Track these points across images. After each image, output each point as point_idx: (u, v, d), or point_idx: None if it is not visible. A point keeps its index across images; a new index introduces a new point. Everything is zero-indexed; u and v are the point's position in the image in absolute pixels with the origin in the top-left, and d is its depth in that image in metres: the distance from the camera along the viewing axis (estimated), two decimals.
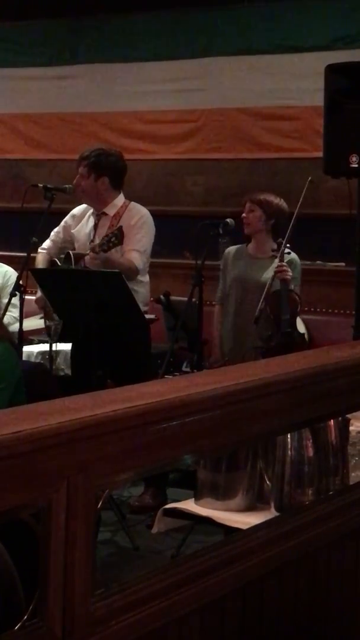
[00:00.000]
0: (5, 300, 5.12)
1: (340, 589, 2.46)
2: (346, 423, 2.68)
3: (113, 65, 7.42)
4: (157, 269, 5.69)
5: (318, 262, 6.24)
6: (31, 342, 5.62)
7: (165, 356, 4.83)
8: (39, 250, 5.12)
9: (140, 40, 7.31)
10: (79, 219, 5.17)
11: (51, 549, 1.58)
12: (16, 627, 1.60)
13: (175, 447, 1.85)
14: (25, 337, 5.14)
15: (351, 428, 2.73)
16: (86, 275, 4.69)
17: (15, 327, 4.91)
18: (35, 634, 1.58)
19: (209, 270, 5.00)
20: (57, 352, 5.35)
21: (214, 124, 7.09)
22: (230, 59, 6.98)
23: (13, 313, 5.31)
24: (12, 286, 4.93)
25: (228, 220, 4.95)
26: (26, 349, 5.34)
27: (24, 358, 4.97)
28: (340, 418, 2.62)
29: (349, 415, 2.68)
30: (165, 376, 4.71)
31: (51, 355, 5.14)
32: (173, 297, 5.12)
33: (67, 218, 5.24)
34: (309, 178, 5.08)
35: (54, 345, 5.12)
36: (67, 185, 5.07)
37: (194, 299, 4.83)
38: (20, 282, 4.81)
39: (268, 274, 4.93)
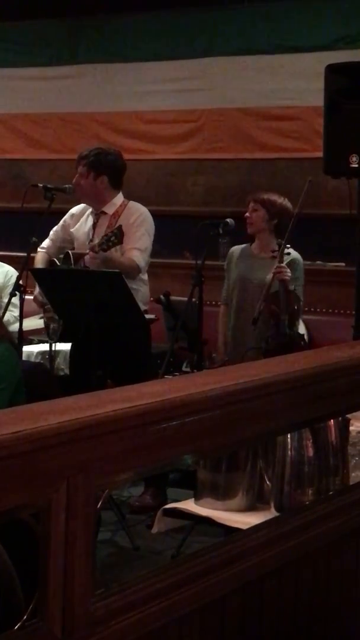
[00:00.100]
0: (6, 300, 5.13)
1: (340, 589, 2.46)
2: (346, 423, 2.68)
3: (113, 65, 7.42)
4: (157, 269, 5.69)
5: (318, 262, 6.24)
6: (31, 342, 5.62)
7: (165, 356, 4.83)
8: (38, 249, 5.12)
9: (140, 40, 7.31)
10: (77, 218, 5.17)
11: (51, 549, 1.58)
12: (16, 627, 1.60)
13: (175, 447, 1.85)
14: (25, 337, 5.14)
15: (351, 428, 2.73)
16: (86, 275, 4.69)
17: (15, 326, 4.91)
18: (35, 634, 1.58)
19: (209, 270, 5.00)
20: (57, 352, 5.35)
21: (214, 124, 7.09)
22: (231, 59, 6.98)
23: (13, 312, 5.31)
24: (13, 286, 4.93)
25: (228, 220, 4.95)
26: (26, 348, 5.34)
27: (24, 358, 4.97)
28: (340, 418, 2.62)
29: (349, 415, 2.68)
30: (165, 376, 4.71)
31: (51, 355, 5.14)
32: (173, 297, 5.12)
33: (65, 217, 5.24)
34: (309, 179, 5.07)
35: (54, 345, 5.12)
36: (67, 185, 5.07)
37: (194, 299, 4.83)
38: (20, 282, 4.82)
39: (270, 274, 4.93)
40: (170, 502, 3.07)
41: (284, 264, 4.85)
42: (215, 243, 6.02)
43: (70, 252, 4.99)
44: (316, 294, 5.27)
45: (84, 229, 5.11)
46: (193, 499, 2.65)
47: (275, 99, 6.84)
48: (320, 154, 5.32)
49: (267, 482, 2.61)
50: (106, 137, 7.13)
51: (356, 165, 5.02)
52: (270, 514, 2.51)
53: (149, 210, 5.13)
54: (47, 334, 5.13)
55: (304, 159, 6.58)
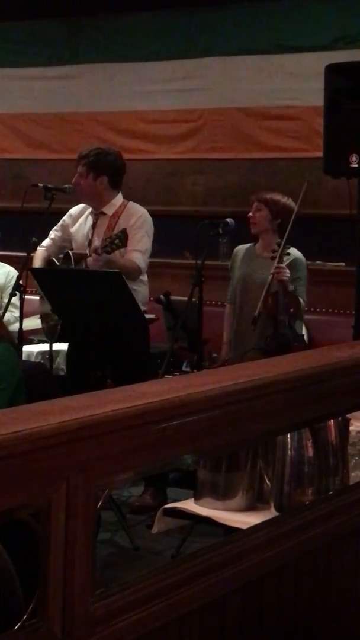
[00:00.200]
0: (7, 300, 5.13)
1: (340, 589, 2.46)
2: (346, 423, 2.68)
3: (113, 65, 7.42)
4: (157, 269, 5.69)
5: (318, 262, 6.24)
6: (31, 342, 5.63)
7: (165, 356, 4.83)
8: (38, 247, 5.11)
9: (140, 40, 7.32)
10: (77, 218, 5.17)
11: (51, 549, 1.58)
12: (16, 627, 1.60)
13: (175, 447, 1.85)
14: (25, 337, 5.14)
15: (351, 428, 2.73)
16: (86, 275, 4.69)
17: (15, 326, 4.91)
18: (35, 634, 1.58)
19: (209, 270, 5.00)
20: (57, 351, 5.36)
21: (214, 123, 7.09)
22: (231, 59, 6.98)
23: (14, 313, 5.31)
24: (13, 286, 4.93)
25: (228, 220, 4.95)
26: (26, 348, 5.34)
27: (23, 358, 4.98)
28: (340, 418, 2.62)
29: (348, 415, 2.68)
30: (165, 376, 4.71)
31: (51, 355, 5.14)
32: (173, 297, 5.12)
33: (65, 217, 5.24)
34: (306, 180, 5.06)
35: (53, 345, 5.13)
36: (67, 185, 5.07)
37: (194, 299, 4.83)
38: (20, 282, 4.82)
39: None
40: (170, 502, 3.07)
41: (282, 265, 4.84)
42: (215, 243, 6.02)
43: (70, 252, 4.99)
44: (316, 293, 5.27)
45: (83, 229, 5.11)
46: (193, 499, 2.65)
47: (275, 99, 6.84)
48: (320, 154, 5.32)
49: (267, 482, 2.61)
50: (106, 137, 7.13)
51: (356, 165, 5.02)
52: (270, 513, 2.51)
53: (149, 210, 5.13)
54: (45, 334, 5.14)
55: (303, 158, 6.58)
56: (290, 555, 2.22)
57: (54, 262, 5.10)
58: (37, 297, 5.13)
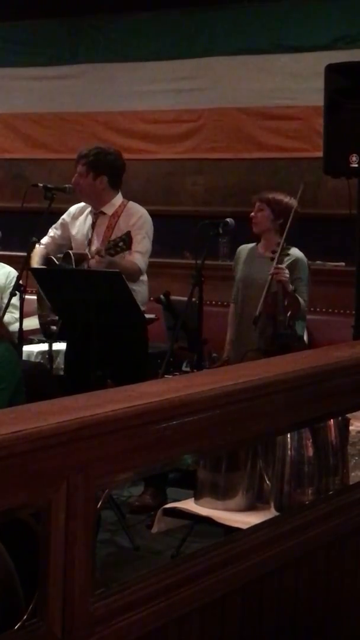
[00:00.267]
0: (7, 301, 5.12)
1: (340, 589, 2.46)
2: (346, 423, 2.68)
3: (113, 65, 7.43)
4: (157, 269, 5.69)
5: (318, 261, 6.24)
6: (31, 342, 5.63)
7: (165, 356, 4.83)
8: (37, 246, 5.08)
9: (140, 40, 7.32)
10: (76, 217, 5.16)
11: (51, 548, 1.58)
12: (16, 627, 1.60)
13: (175, 446, 1.85)
14: (25, 337, 5.14)
15: (351, 428, 2.73)
16: (86, 275, 4.69)
17: (15, 326, 4.91)
18: (35, 633, 1.58)
19: (208, 270, 5.00)
20: (57, 351, 5.36)
21: (213, 123, 7.09)
22: (230, 59, 6.99)
23: (14, 314, 5.31)
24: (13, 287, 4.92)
25: (228, 219, 4.94)
26: (26, 348, 5.34)
27: (23, 358, 4.98)
28: (340, 418, 2.62)
29: (348, 415, 2.68)
30: (165, 376, 4.71)
31: (51, 355, 5.14)
32: (173, 297, 5.12)
33: (64, 216, 5.23)
34: (302, 182, 5.05)
35: (53, 345, 5.13)
36: (67, 185, 5.07)
37: (193, 299, 4.83)
38: (20, 281, 4.81)
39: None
40: (170, 502, 3.07)
41: (281, 265, 4.83)
42: (215, 243, 6.02)
43: (70, 252, 4.98)
44: (316, 293, 5.27)
45: (83, 228, 5.10)
46: (193, 499, 2.65)
47: (275, 99, 6.84)
48: (320, 154, 5.32)
49: (267, 482, 2.61)
50: (106, 136, 7.14)
51: (356, 165, 5.01)
52: (270, 513, 2.51)
53: (149, 210, 5.13)
54: (44, 334, 5.14)
55: (303, 158, 6.59)
56: (290, 555, 2.22)
57: (53, 260, 5.10)
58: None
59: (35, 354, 5.51)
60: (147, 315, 4.95)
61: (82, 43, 7.60)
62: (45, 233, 5.23)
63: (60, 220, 5.24)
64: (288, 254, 4.91)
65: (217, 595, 1.99)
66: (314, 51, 6.56)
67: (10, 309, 5.23)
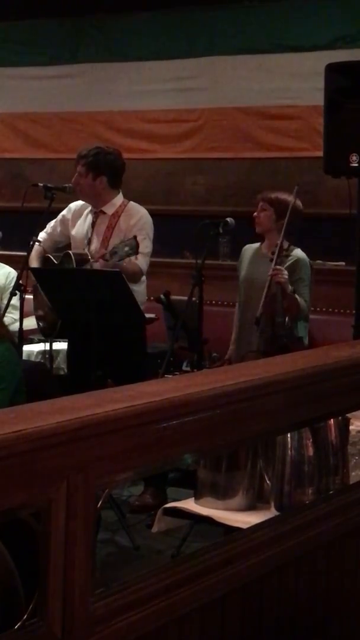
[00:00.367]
0: (6, 301, 5.12)
1: (340, 589, 2.46)
2: (346, 422, 2.68)
3: (113, 65, 7.42)
4: (157, 269, 5.69)
5: (318, 261, 6.23)
6: (31, 342, 5.63)
7: (166, 356, 4.83)
8: (35, 242, 5.04)
9: (141, 40, 7.32)
10: (77, 215, 5.15)
11: (51, 548, 1.58)
12: (16, 627, 1.60)
13: (175, 446, 1.85)
14: (25, 337, 5.14)
15: (351, 427, 2.73)
16: (86, 274, 4.68)
17: (15, 326, 4.91)
18: (35, 633, 1.58)
19: (209, 270, 5.00)
20: (57, 351, 5.36)
21: (214, 123, 7.09)
22: (231, 59, 6.99)
23: (13, 314, 5.31)
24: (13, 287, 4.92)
25: (228, 219, 4.94)
26: (26, 348, 5.34)
27: (23, 357, 4.98)
28: (340, 417, 2.62)
29: (348, 415, 2.68)
30: (166, 375, 4.71)
31: (51, 354, 5.15)
32: (173, 297, 5.12)
33: (64, 212, 5.22)
34: (296, 186, 5.04)
35: (53, 344, 5.13)
36: (67, 185, 5.06)
37: (194, 299, 4.83)
38: (20, 281, 4.81)
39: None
40: (170, 502, 3.07)
41: (279, 267, 4.81)
42: (215, 242, 6.02)
43: (71, 253, 4.97)
44: (316, 293, 5.26)
45: (82, 227, 5.10)
46: (193, 499, 2.65)
47: (275, 98, 6.84)
48: (320, 153, 5.31)
49: (267, 482, 2.61)
50: (106, 136, 7.14)
51: (356, 165, 5.01)
52: (270, 513, 2.51)
53: (149, 210, 5.13)
54: (42, 334, 5.14)
55: (304, 158, 6.59)
56: (290, 554, 2.22)
57: (51, 259, 5.09)
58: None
59: (35, 353, 5.51)
60: (146, 315, 4.94)
61: (82, 43, 7.60)
62: None
63: (59, 217, 5.22)
64: (288, 255, 4.90)
65: (217, 595, 1.99)
66: (314, 51, 6.56)
67: (10, 309, 5.23)
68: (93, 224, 5.06)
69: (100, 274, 4.64)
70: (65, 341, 5.22)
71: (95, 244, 4.99)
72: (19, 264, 5.08)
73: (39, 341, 5.60)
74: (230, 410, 1.97)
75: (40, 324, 5.07)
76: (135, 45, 7.34)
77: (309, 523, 2.29)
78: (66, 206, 5.28)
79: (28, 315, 5.07)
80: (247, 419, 2.07)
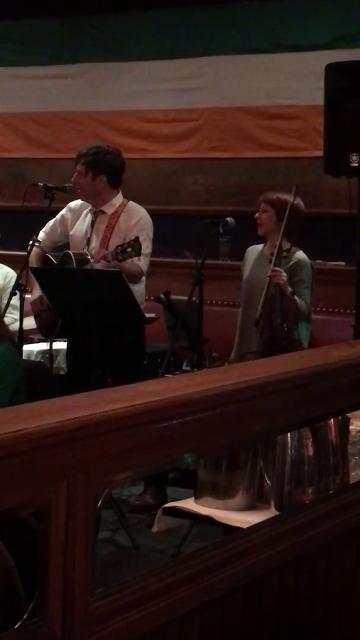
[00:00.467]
0: (6, 301, 5.12)
1: (340, 588, 2.46)
2: (346, 422, 2.68)
3: (113, 64, 7.42)
4: (157, 268, 5.68)
5: (318, 261, 6.23)
6: (31, 341, 5.63)
7: (166, 355, 4.84)
8: (35, 243, 5.03)
9: (140, 39, 7.32)
10: (76, 214, 5.15)
11: (51, 548, 1.58)
12: (16, 627, 1.60)
13: (175, 446, 1.85)
14: (25, 336, 5.14)
15: (351, 427, 2.73)
16: (86, 274, 4.68)
17: (15, 326, 4.91)
18: (35, 633, 1.58)
19: (209, 270, 5.00)
20: (57, 351, 5.36)
21: (214, 123, 7.09)
22: (231, 58, 6.98)
23: (13, 315, 5.31)
24: (13, 287, 4.92)
25: (228, 219, 4.94)
26: (26, 347, 5.35)
27: (24, 357, 4.98)
28: (340, 417, 2.62)
29: (348, 414, 2.68)
30: (166, 375, 4.71)
31: (51, 354, 5.15)
32: (173, 296, 5.12)
33: (63, 211, 5.21)
34: (294, 186, 5.04)
35: (53, 344, 5.13)
36: (67, 184, 5.06)
37: (194, 298, 4.83)
38: (20, 281, 4.81)
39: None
40: (170, 501, 3.07)
41: (278, 268, 4.80)
42: (215, 242, 6.02)
43: (70, 252, 4.97)
44: (316, 293, 5.26)
45: (82, 227, 5.10)
46: (193, 498, 2.65)
47: (276, 98, 6.84)
48: (320, 153, 5.32)
49: (267, 481, 2.61)
50: (106, 136, 7.13)
51: (356, 164, 5.01)
52: (270, 513, 2.51)
53: (149, 209, 5.13)
54: (41, 333, 5.14)
55: (304, 157, 6.59)
56: (290, 554, 2.22)
57: (50, 259, 5.09)
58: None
59: (35, 353, 5.51)
60: (146, 315, 4.95)
61: (82, 42, 7.59)
62: None
63: (58, 216, 5.22)
64: (286, 256, 4.88)
65: (217, 595, 1.99)
66: (314, 50, 6.55)
67: (10, 309, 5.23)
68: (92, 224, 5.06)
69: (100, 273, 4.64)
70: (65, 341, 5.22)
71: (94, 244, 4.99)
72: (19, 263, 5.08)
73: (39, 341, 5.60)
74: (230, 410, 1.97)
75: (37, 322, 5.07)
76: (135, 45, 7.34)
77: (309, 523, 2.29)
78: (66, 206, 5.27)
79: (28, 315, 5.07)
80: (247, 419, 2.07)
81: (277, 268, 4.79)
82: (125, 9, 7.28)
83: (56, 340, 5.26)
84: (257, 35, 6.90)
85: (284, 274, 4.79)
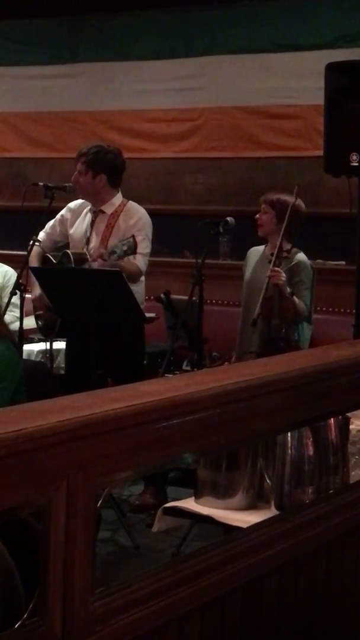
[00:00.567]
0: (6, 300, 5.12)
1: (340, 588, 2.46)
2: (346, 421, 2.68)
3: (113, 64, 7.42)
4: (157, 268, 5.69)
5: (318, 260, 6.23)
6: (32, 341, 5.63)
7: (166, 355, 4.84)
8: (35, 243, 5.03)
9: (141, 39, 7.32)
10: (76, 214, 5.15)
11: (51, 547, 1.58)
12: (16, 626, 1.60)
13: (175, 445, 1.85)
14: (26, 336, 5.14)
15: (351, 427, 2.73)
16: (87, 274, 4.69)
17: (15, 325, 4.92)
18: (35, 633, 1.58)
19: (209, 269, 4.99)
20: (57, 350, 5.36)
21: (214, 122, 7.09)
22: (231, 58, 6.98)
23: (14, 312, 5.31)
24: (12, 286, 4.92)
25: (228, 218, 4.94)
26: (26, 347, 5.35)
27: (24, 357, 4.98)
28: (340, 417, 2.62)
29: (349, 414, 2.68)
30: (166, 375, 4.71)
31: (51, 353, 5.14)
32: (173, 296, 5.12)
33: (63, 211, 5.22)
34: (297, 185, 5.04)
35: (54, 343, 5.13)
36: (67, 184, 5.06)
37: (194, 298, 4.83)
38: (20, 280, 4.81)
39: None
40: (170, 501, 3.07)
41: (277, 268, 4.80)
42: (215, 242, 6.02)
43: (69, 252, 4.98)
44: (316, 292, 5.26)
45: (81, 226, 5.10)
46: (193, 498, 2.65)
47: (276, 98, 6.84)
48: (320, 153, 5.31)
49: (268, 481, 2.61)
50: (106, 135, 7.13)
51: (356, 164, 5.01)
52: (270, 512, 2.51)
53: (149, 209, 5.13)
54: (41, 333, 5.14)
55: (304, 157, 6.59)
56: (290, 554, 2.22)
57: (50, 259, 5.09)
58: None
59: (35, 352, 5.51)
60: (146, 314, 4.95)
61: (82, 42, 7.60)
62: None
63: (58, 216, 5.22)
64: (286, 257, 4.87)
65: (217, 594, 1.99)
66: (314, 50, 6.55)
67: (10, 307, 5.23)
68: (92, 223, 5.06)
69: (101, 273, 4.64)
70: (65, 340, 5.22)
71: (94, 243, 4.99)
72: (19, 263, 5.08)
73: (39, 340, 5.60)
74: (231, 409, 1.97)
75: (40, 322, 5.07)
76: (135, 44, 7.34)
77: (309, 522, 2.29)
78: (66, 205, 5.27)
79: (28, 314, 5.07)
80: (247, 419, 2.07)
81: (276, 268, 4.78)
82: (125, 9, 7.28)
83: (56, 340, 5.26)
84: (257, 35, 6.89)
85: (283, 274, 4.79)
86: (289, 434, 2.51)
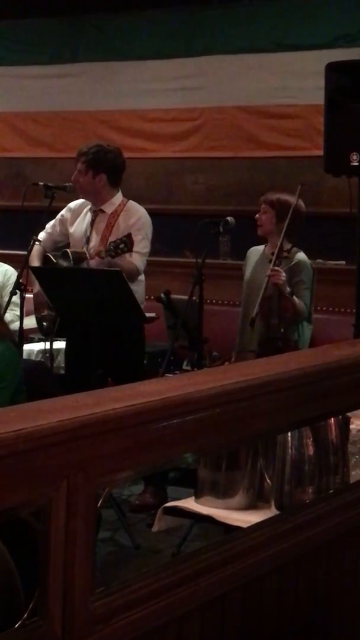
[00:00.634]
0: (6, 299, 5.12)
1: (340, 588, 2.46)
2: (346, 421, 2.68)
3: (113, 64, 7.42)
4: (158, 268, 5.69)
5: (318, 260, 6.23)
6: (32, 340, 5.63)
7: (166, 355, 4.84)
8: (35, 242, 5.04)
9: (141, 39, 7.31)
10: (76, 213, 5.15)
11: (51, 547, 1.58)
12: (16, 626, 1.60)
13: (175, 445, 1.85)
14: (26, 335, 5.14)
15: (351, 426, 2.73)
16: (87, 273, 4.69)
17: (16, 325, 4.91)
18: (35, 632, 1.58)
19: (209, 269, 4.99)
20: (58, 350, 5.35)
21: (214, 122, 7.09)
22: (231, 57, 6.98)
23: (15, 311, 5.31)
24: (12, 285, 4.93)
25: (228, 218, 4.93)
26: (27, 347, 5.34)
27: (24, 356, 4.97)
28: (340, 416, 2.62)
29: (349, 414, 2.68)
30: (166, 375, 4.71)
31: (51, 353, 5.14)
32: (173, 296, 5.12)
33: (63, 212, 5.22)
34: (299, 184, 5.04)
35: (54, 343, 5.13)
36: (67, 184, 5.07)
37: (194, 298, 4.83)
38: (21, 280, 4.81)
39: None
40: (170, 501, 3.07)
41: (277, 268, 4.80)
42: (215, 241, 6.02)
43: (68, 251, 4.98)
44: (316, 292, 5.26)
45: (81, 226, 5.10)
46: (193, 498, 2.65)
47: (276, 97, 6.84)
48: (320, 152, 5.31)
49: (268, 481, 2.61)
50: (106, 135, 7.13)
51: (356, 164, 5.01)
52: (270, 512, 2.51)
53: (149, 209, 5.13)
54: (41, 333, 5.14)
55: (304, 157, 6.58)
56: (290, 554, 2.22)
57: (50, 258, 5.09)
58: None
59: (35, 352, 5.51)
60: (146, 314, 4.95)
61: (82, 42, 7.59)
62: None
63: (58, 216, 5.23)
64: (287, 257, 4.87)
65: (217, 594, 1.99)
66: (314, 50, 6.55)
67: (11, 306, 5.23)
68: (92, 222, 5.06)
69: (101, 273, 4.64)
70: (65, 340, 5.22)
71: (94, 242, 4.99)
72: (19, 263, 5.08)
73: (40, 340, 5.60)
74: (231, 409, 1.97)
75: (44, 323, 5.07)
76: (135, 44, 7.34)
77: (309, 522, 2.29)
78: (66, 205, 5.28)
79: (28, 314, 5.07)
80: (247, 418, 2.07)
81: (276, 268, 4.78)
82: (125, 9, 7.28)
83: (56, 340, 5.26)
84: (257, 34, 6.89)
85: (283, 274, 4.79)
86: (289, 434, 2.51)
